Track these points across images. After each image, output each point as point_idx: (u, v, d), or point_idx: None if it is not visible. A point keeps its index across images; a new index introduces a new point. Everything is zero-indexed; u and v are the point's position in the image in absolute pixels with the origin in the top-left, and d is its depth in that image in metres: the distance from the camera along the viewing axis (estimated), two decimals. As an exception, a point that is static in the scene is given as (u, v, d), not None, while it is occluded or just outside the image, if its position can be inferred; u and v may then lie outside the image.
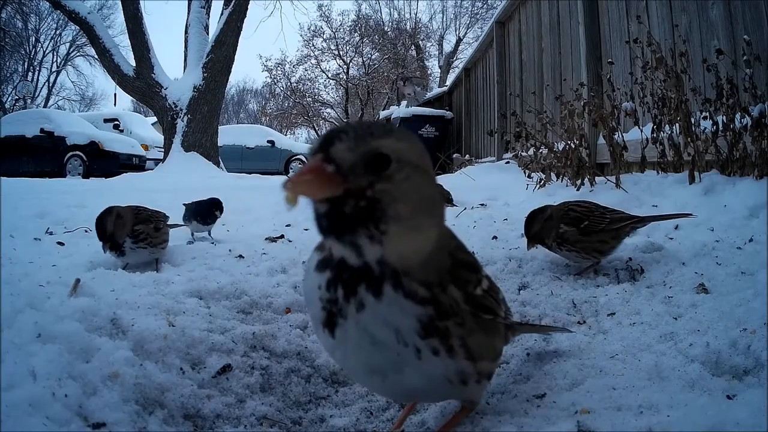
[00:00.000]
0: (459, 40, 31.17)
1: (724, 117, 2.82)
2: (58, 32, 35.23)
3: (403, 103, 15.40)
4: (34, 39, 34.83)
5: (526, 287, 2.10)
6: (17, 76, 33.94)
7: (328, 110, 32.64)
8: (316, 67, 30.69)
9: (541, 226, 2.13)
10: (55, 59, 36.67)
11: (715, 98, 2.87)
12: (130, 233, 2.42)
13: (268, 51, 77.81)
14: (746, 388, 1.15)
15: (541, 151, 4.32)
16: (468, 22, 31.72)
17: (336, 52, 30.05)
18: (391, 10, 35.80)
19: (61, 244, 2.81)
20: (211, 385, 1.34)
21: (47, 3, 14.93)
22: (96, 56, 15.18)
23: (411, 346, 0.84)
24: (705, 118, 2.94)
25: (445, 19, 32.86)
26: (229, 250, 2.65)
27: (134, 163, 15.79)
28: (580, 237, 2.06)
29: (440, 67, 30.26)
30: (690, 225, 2.47)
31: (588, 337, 1.58)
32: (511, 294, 1.98)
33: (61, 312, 1.36)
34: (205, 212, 3.13)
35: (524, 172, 4.65)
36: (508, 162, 7.23)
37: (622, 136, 3.62)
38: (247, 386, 1.37)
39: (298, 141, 28.42)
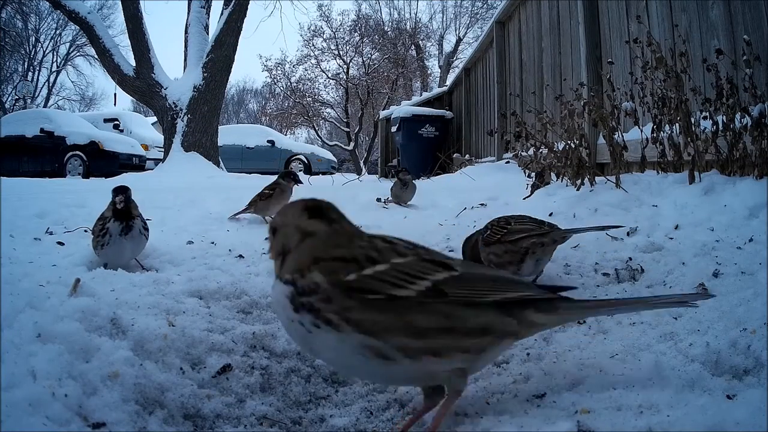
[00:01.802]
0: (459, 40, 31.16)
1: (724, 117, 2.81)
2: (58, 32, 35.27)
3: (404, 102, 15.41)
4: (34, 39, 34.84)
5: (526, 287, 2.10)
6: (17, 76, 33.95)
7: (328, 110, 32.63)
8: (316, 67, 30.69)
9: (471, 253, 2.10)
10: (55, 59, 36.70)
11: (715, 98, 2.87)
12: (142, 218, 2.41)
13: (268, 51, 77.97)
14: (746, 388, 1.15)
15: (541, 151, 4.32)
16: (468, 22, 31.73)
17: (336, 52, 30.03)
18: (391, 10, 35.83)
19: (61, 244, 2.81)
20: (211, 384, 1.34)
21: (47, 3, 14.93)
22: (96, 56, 15.19)
23: (296, 322, 1.04)
24: (705, 118, 2.93)
25: (445, 19, 32.88)
26: (229, 250, 2.65)
27: (134, 163, 15.79)
28: (483, 247, 2.01)
29: (440, 67, 30.26)
30: (690, 225, 2.47)
31: (588, 337, 1.58)
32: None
33: (61, 312, 1.36)
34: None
35: (524, 172, 4.65)
36: (508, 162, 7.23)
37: (622, 136, 3.61)
38: (247, 386, 1.37)
39: (298, 141, 28.42)
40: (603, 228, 2.10)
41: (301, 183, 3.94)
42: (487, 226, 2.12)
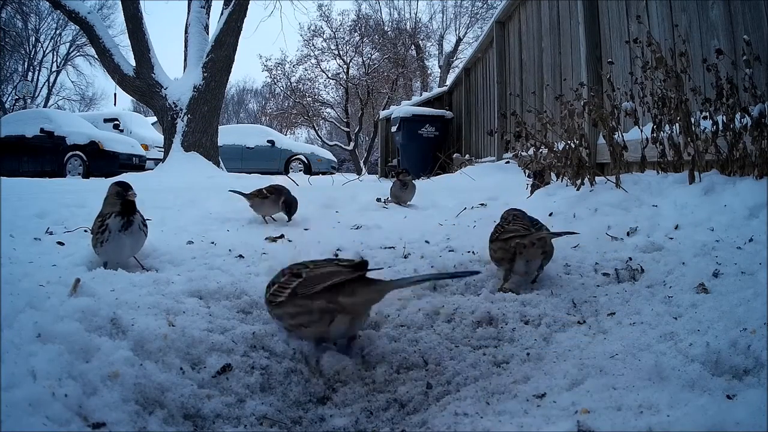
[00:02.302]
0: (459, 40, 31.16)
1: (724, 117, 2.81)
2: (58, 32, 35.26)
3: (404, 102, 15.42)
4: (34, 39, 34.83)
5: (525, 286, 2.10)
6: (17, 76, 33.95)
7: (328, 110, 32.62)
8: (316, 67, 30.67)
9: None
10: (55, 59, 36.70)
11: (715, 98, 2.87)
12: (141, 214, 2.40)
13: (268, 51, 78.01)
14: (746, 388, 1.15)
15: (541, 151, 4.32)
16: (468, 22, 31.72)
17: (336, 52, 30.03)
18: (391, 10, 35.89)
19: (61, 244, 2.81)
20: (211, 384, 1.34)
21: (47, 3, 14.93)
22: (96, 56, 15.19)
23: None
24: (705, 118, 2.93)
25: (445, 19, 32.87)
26: (229, 250, 2.65)
27: (134, 163, 15.79)
28: (489, 243, 2.15)
29: (440, 67, 30.27)
30: (690, 225, 2.47)
31: (588, 337, 1.58)
32: (511, 294, 1.98)
33: (61, 312, 1.36)
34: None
35: (524, 172, 4.65)
36: (508, 162, 7.23)
37: (622, 136, 3.62)
38: (247, 386, 1.37)
39: (298, 141, 28.42)
40: (565, 233, 2.18)
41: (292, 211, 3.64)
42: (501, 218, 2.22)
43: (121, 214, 2.31)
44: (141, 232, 2.38)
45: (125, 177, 9.61)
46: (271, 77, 31.19)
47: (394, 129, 12.87)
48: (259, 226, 3.63)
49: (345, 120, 30.57)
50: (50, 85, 36.84)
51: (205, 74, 11.66)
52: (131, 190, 2.34)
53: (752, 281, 1.67)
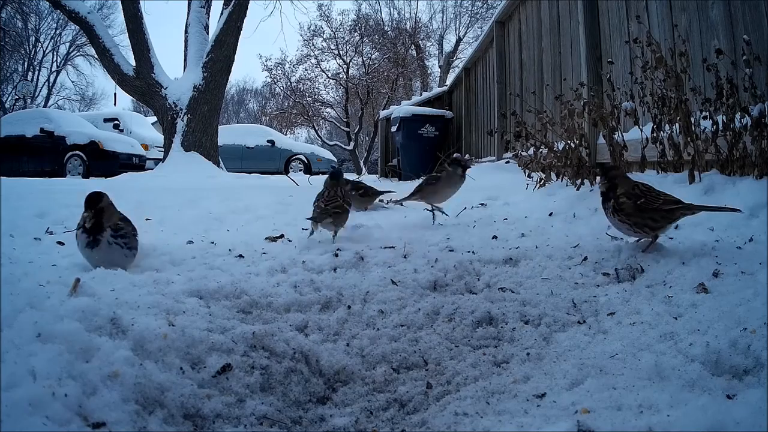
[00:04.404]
0: (459, 40, 31.16)
1: (724, 117, 2.82)
2: (58, 32, 35.31)
3: (404, 102, 15.41)
4: (34, 39, 34.86)
5: (525, 286, 2.10)
6: (17, 76, 33.96)
7: (328, 110, 32.61)
8: (316, 67, 30.66)
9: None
10: (55, 59, 36.74)
11: (715, 98, 2.87)
12: (113, 225, 2.20)
13: (268, 51, 78.16)
14: (746, 388, 1.15)
15: (541, 150, 4.32)
16: (468, 21, 31.73)
17: (336, 52, 30.01)
18: (391, 9, 35.96)
19: (61, 243, 2.81)
20: (211, 384, 1.34)
21: (47, 3, 14.93)
22: (96, 56, 15.20)
23: None
24: (705, 117, 2.93)
25: (445, 18, 32.88)
26: (229, 250, 2.65)
27: (134, 163, 15.80)
28: (634, 211, 2.18)
29: (440, 66, 30.25)
30: (690, 225, 2.47)
31: (588, 337, 1.58)
32: (511, 293, 1.98)
33: (61, 312, 1.36)
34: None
35: (524, 172, 4.65)
36: (508, 162, 7.23)
37: (622, 136, 3.62)
38: (247, 386, 1.37)
39: (298, 141, 28.43)
40: (724, 209, 2.21)
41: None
42: (635, 193, 2.21)
43: (86, 232, 2.16)
44: (114, 246, 2.19)
45: (125, 177, 9.62)
46: (271, 77, 31.19)
47: (394, 129, 12.87)
48: (259, 225, 3.63)
49: (345, 120, 30.55)
50: (50, 85, 36.90)
51: (205, 74, 11.67)
52: (91, 210, 2.14)
53: (752, 281, 1.66)
